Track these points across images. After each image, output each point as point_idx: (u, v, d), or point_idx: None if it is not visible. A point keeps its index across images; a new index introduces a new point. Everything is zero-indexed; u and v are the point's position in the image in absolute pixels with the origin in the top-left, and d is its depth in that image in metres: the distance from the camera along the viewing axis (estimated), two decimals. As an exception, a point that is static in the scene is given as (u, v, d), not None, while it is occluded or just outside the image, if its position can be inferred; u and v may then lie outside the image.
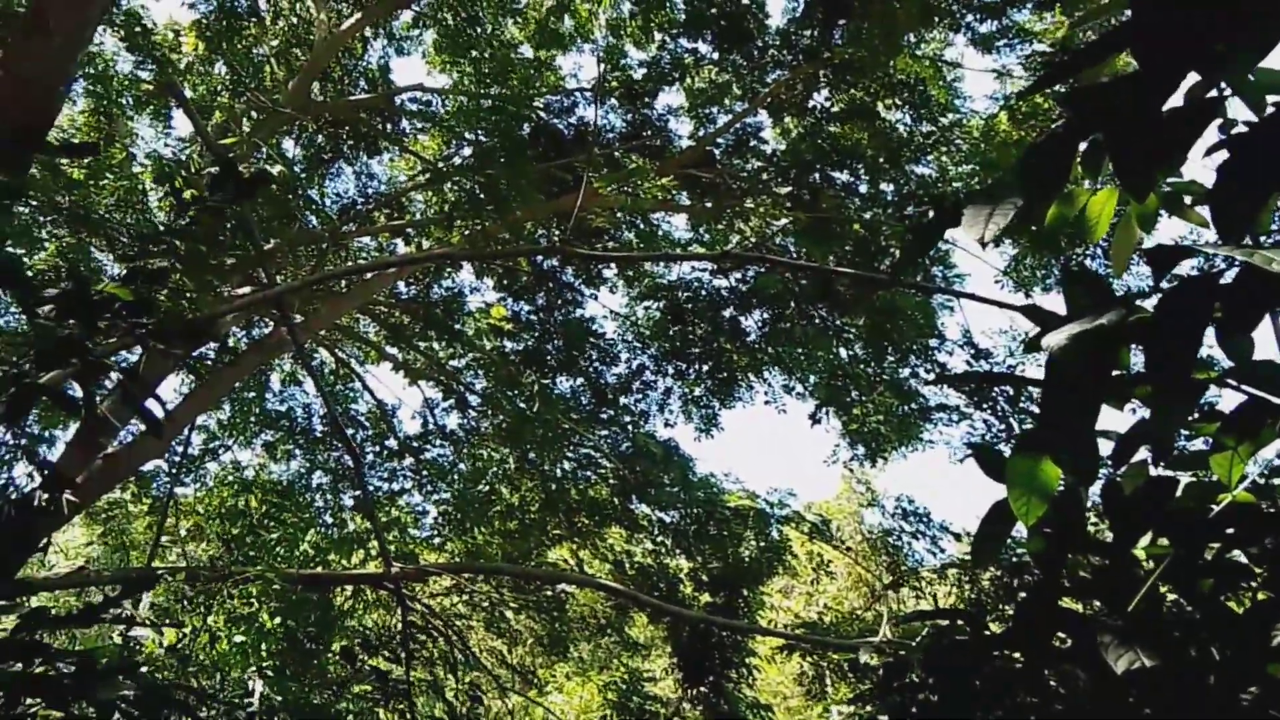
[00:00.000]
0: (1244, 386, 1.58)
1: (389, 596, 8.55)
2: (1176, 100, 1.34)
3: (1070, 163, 1.48)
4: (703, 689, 9.64)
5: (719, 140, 11.54)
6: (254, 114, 9.13)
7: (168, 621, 6.00)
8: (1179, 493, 1.76)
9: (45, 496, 6.81)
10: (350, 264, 7.92)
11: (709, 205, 11.46)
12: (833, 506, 15.41)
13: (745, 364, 10.21)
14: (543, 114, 11.17)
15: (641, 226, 11.60)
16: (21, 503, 7.06)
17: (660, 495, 10.43)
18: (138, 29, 9.61)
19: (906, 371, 9.68)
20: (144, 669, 4.17)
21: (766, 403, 10.60)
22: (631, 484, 10.87)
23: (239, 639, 6.08)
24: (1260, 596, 1.76)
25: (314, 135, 10.83)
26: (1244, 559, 1.80)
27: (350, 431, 12.26)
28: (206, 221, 7.23)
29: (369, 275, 8.53)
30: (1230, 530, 1.74)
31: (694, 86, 11.45)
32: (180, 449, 10.82)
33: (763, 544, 9.28)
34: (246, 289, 7.63)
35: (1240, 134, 1.36)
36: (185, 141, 10.38)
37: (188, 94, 10.25)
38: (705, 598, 10.56)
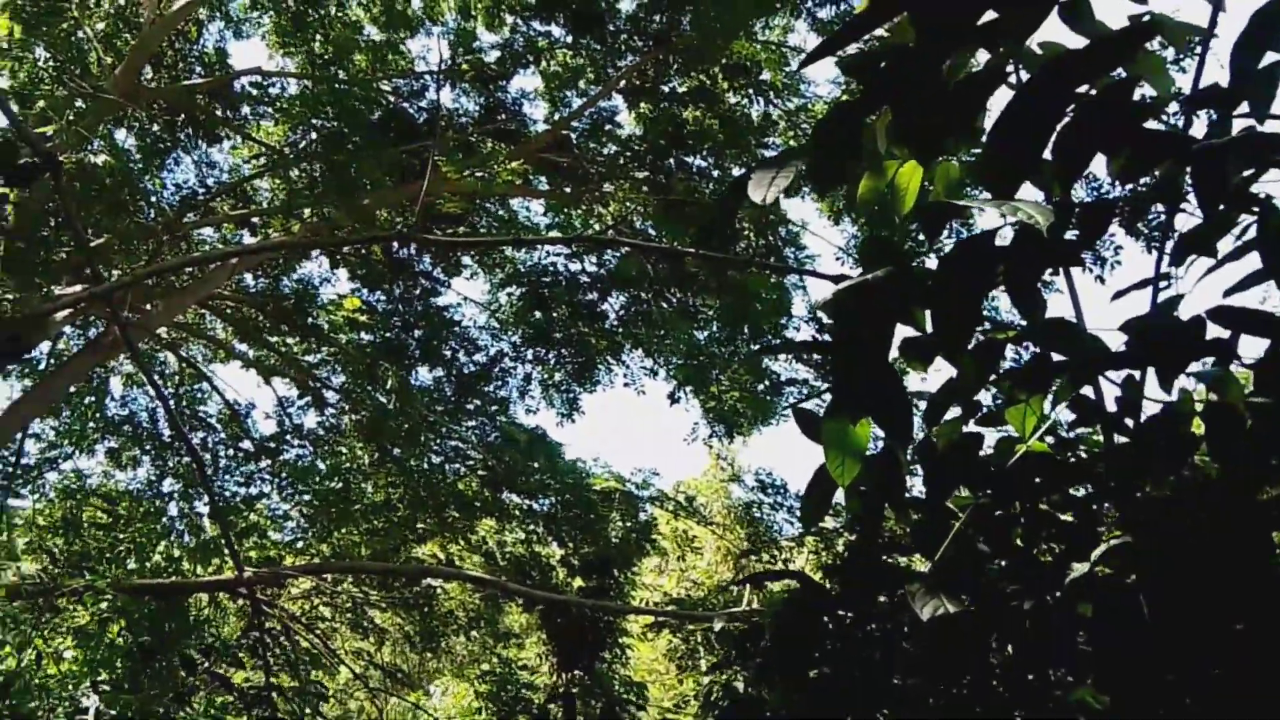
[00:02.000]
0: (1034, 345, 1.73)
1: (248, 603, 8.42)
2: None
3: (858, 130, 1.55)
4: (578, 672, 9.89)
5: (575, 124, 11.73)
6: (80, 102, 8.77)
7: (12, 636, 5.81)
8: (988, 448, 1.83)
9: None
10: (184, 258, 7.74)
11: (567, 190, 11.65)
12: (700, 483, 15.90)
13: (604, 347, 10.48)
14: (391, 98, 11.10)
15: (500, 212, 11.69)
16: None
17: (529, 483, 10.59)
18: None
19: (759, 349, 10.12)
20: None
21: (626, 385, 10.92)
22: (500, 474, 10.98)
23: (72, 655, 5.94)
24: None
25: (148, 124, 10.45)
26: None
27: (200, 435, 11.93)
28: (18, 220, 6.97)
29: (210, 267, 8.35)
30: (1037, 480, 1.83)
31: (548, 70, 11.59)
32: (13, 458, 10.33)
33: (630, 525, 9.57)
34: (77, 287, 7.38)
35: (1012, 96, 1.40)
36: (4, 132, 9.84)
37: (4, 82, 9.74)
38: (578, 582, 10.81)
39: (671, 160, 11.12)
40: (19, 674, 6.27)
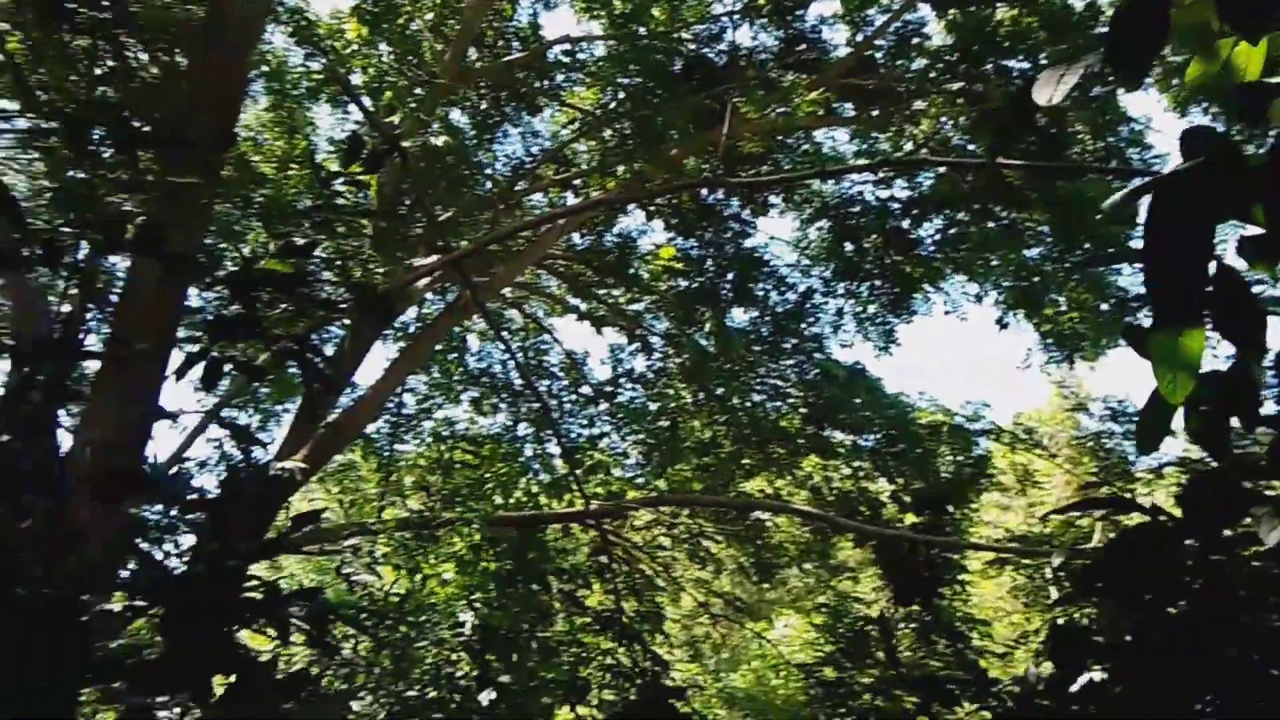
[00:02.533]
0: None
1: (595, 533, 9.21)
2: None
3: (1164, 13, 1.39)
4: (914, 607, 9.75)
5: (878, 43, 11.23)
6: (418, 90, 9.81)
7: (396, 565, 6.82)
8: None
9: (280, 466, 7.85)
10: (517, 223, 8.47)
11: (874, 114, 11.23)
12: (1042, 414, 14.84)
13: (920, 275, 10.01)
14: (691, 45, 11.27)
15: (804, 146, 11.52)
16: (259, 473, 8.18)
17: (851, 419, 10.52)
18: (303, 23, 10.53)
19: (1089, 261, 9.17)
20: (366, 613, 4.87)
21: (946, 313, 10.37)
22: (821, 410, 11.01)
23: (451, 579, 6.83)
24: None
25: (477, 102, 11.47)
26: None
27: (546, 383, 13.11)
28: (379, 202, 7.98)
29: (541, 229, 9.07)
30: None
31: (847, -11, 11.16)
32: (396, 410, 12.03)
33: (962, 460, 9.19)
34: (432, 258, 8.35)
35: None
36: (360, 125, 11.30)
37: (357, 79, 11.16)
38: (910, 518, 10.61)
39: (989, 66, 10.33)
40: (412, 594, 7.36)
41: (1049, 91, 1.39)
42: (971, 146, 10.78)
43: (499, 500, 10.96)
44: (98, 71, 7.70)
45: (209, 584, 2.01)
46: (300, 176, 9.04)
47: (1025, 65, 10.25)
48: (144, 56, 7.94)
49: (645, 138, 8.53)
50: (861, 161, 9.73)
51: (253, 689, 1.88)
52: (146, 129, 7.52)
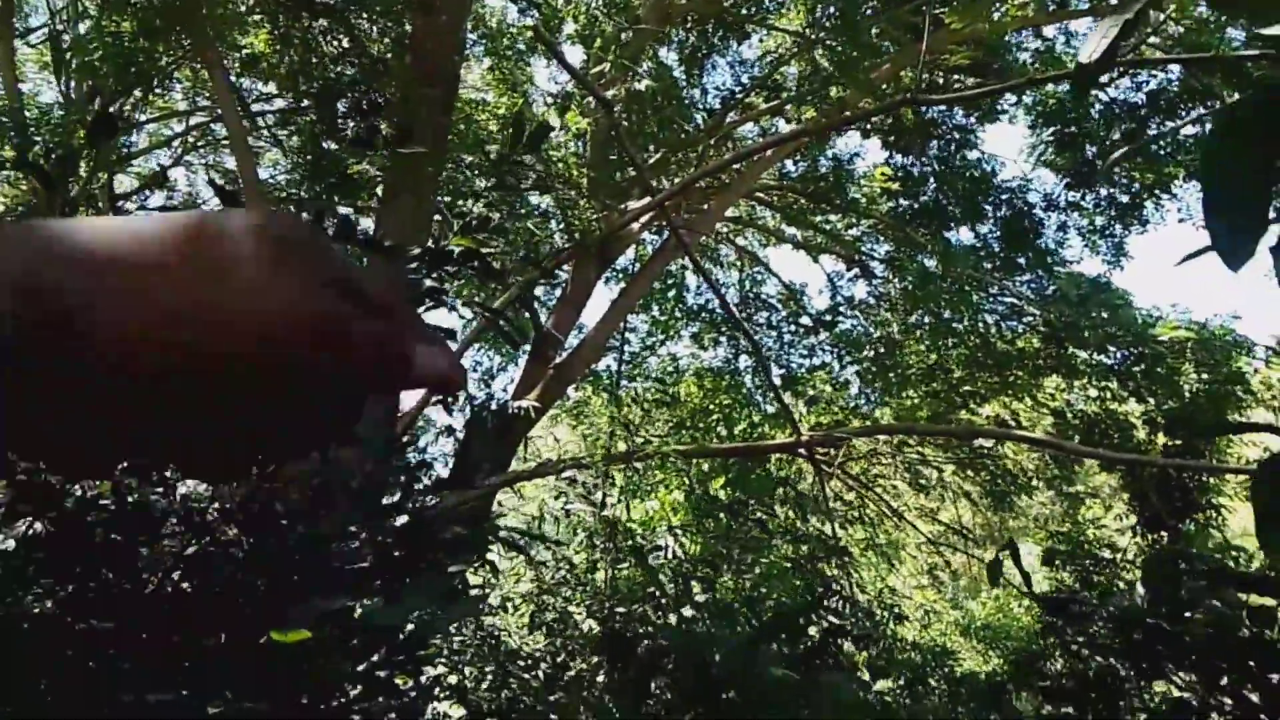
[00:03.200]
0: None
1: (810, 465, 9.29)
2: None
3: None
4: (1164, 534, 9.15)
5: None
6: (625, 35, 10.00)
7: (621, 494, 7.25)
8: None
9: (519, 405, 8.50)
10: (715, 162, 8.52)
11: (1114, 2, 10.22)
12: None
13: (1153, 181, 9.10)
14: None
15: (1034, 44, 10.71)
16: (500, 411, 8.87)
17: (1093, 336, 9.86)
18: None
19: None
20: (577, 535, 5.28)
21: (1180, 220, 9.38)
22: (1061, 328, 10.38)
23: (683, 504, 7.18)
24: None
25: (685, 37, 11.53)
26: None
27: (765, 315, 13.20)
28: (592, 153, 8.29)
29: (751, 160, 9.08)
30: None
31: None
32: (621, 348, 12.58)
33: (1211, 378, 8.42)
34: (643, 201, 8.62)
35: None
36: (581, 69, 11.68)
37: (571, 27, 11.51)
38: (1161, 439, 9.88)
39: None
40: (649, 520, 7.81)
41: (1092, 45, 1.37)
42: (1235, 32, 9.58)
43: (723, 432, 11.31)
44: (334, 51, 8.48)
45: (410, 522, 2.34)
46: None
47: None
48: (373, 32, 8.65)
49: (854, 57, 8.27)
50: (1069, 70, 8.88)
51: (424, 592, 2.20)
52: (380, 100, 8.25)
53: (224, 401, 0.38)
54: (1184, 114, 8.75)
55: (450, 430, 10.15)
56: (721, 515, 6.41)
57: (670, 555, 4.76)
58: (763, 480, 8.22)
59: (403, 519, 2.28)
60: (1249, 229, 1.03)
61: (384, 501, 2.40)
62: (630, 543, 4.73)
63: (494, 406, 9.50)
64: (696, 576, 4.64)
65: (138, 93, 9.63)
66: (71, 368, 0.35)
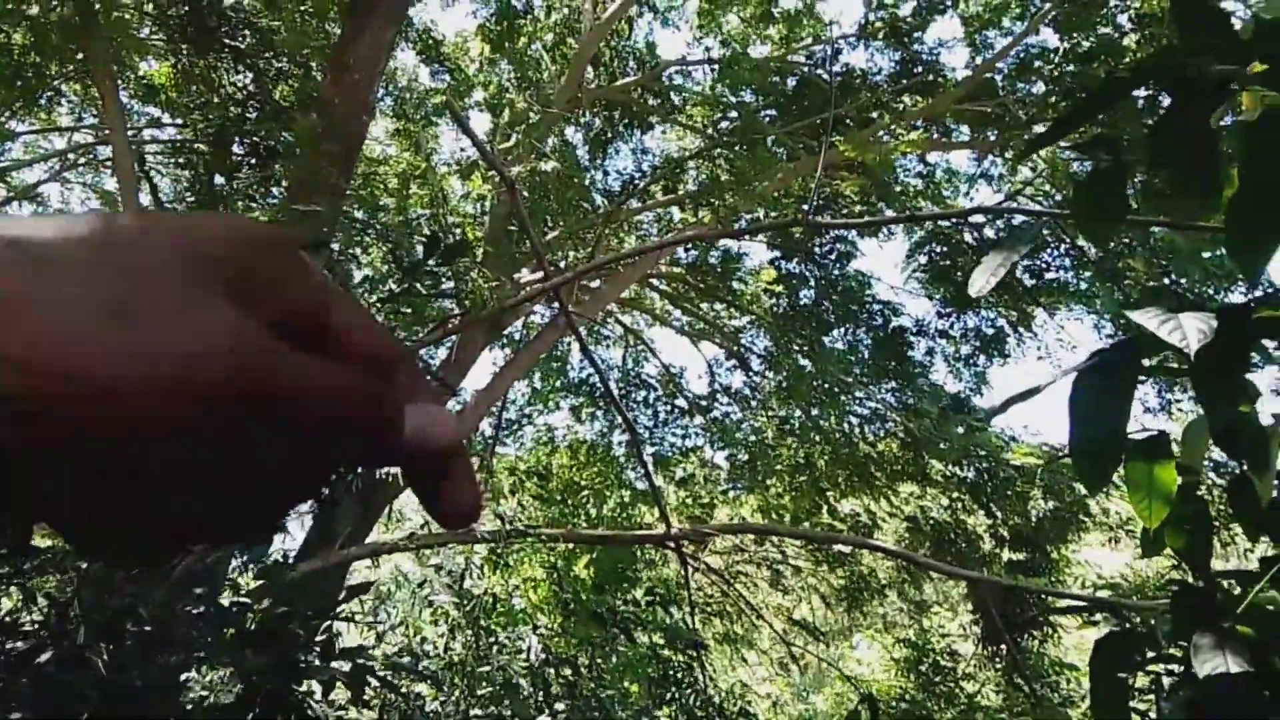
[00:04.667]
0: None
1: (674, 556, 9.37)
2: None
3: (1122, 189, 1.47)
4: (1003, 647, 9.57)
5: (998, 66, 10.99)
6: (534, 112, 10.13)
7: (482, 572, 7.14)
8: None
9: (381, 473, 8.28)
10: (609, 254, 8.70)
11: (991, 137, 11.00)
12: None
13: (1017, 318, 9.78)
14: (806, 66, 11.27)
15: (918, 168, 11.39)
16: (363, 477, 8.59)
17: (949, 449, 10.36)
18: (430, 42, 11.01)
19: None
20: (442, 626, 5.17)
21: (1040, 358, 10.10)
22: (919, 438, 10.88)
23: (543, 585, 7.10)
24: None
25: (591, 120, 11.76)
26: None
27: (644, 393, 13.34)
28: (491, 227, 8.30)
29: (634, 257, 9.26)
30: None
31: (967, 11, 10.96)
32: (499, 415, 12.46)
33: (1056, 504, 8.98)
34: (538, 274, 8.66)
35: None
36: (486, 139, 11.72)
37: (479, 95, 11.58)
38: (1007, 554, 10.40)
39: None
40: (502, 599, 7.69)
41: (981, 282, 1.51)
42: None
43: (591, 510, 11.30)
44: (238, 93, 8.28)
45: (275, 644, 2.26)
46: (420, 196, 9.48)
47: (1149, 93, 9.87)
48: (279, 79, 8.49)
49: (751, 165, 8.61)
50: (952, 210, 9.56)
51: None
52: (278, 148, 8.06)
53: (133, 473, 0.28)
54: (1051, 255, 9.44)
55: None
56: (583, 595, 6.38)
57: (533, 655, 4.70)
58: (626, 570, 8.24)
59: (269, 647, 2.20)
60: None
61: (249, 627, 2.30)
62: (493, 639, 4.66)
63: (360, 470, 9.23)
64: (559, 679, 4.59)
65: (19, 104, 9.15)
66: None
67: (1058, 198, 10.40)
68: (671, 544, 7.74)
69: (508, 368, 10.16)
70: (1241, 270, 1.27)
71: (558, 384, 13.11)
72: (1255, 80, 1.37)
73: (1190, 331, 1.24)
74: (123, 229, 0.30)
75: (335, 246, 7.64)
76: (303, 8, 8.24)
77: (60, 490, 0.28)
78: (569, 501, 11.98)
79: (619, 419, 13.50)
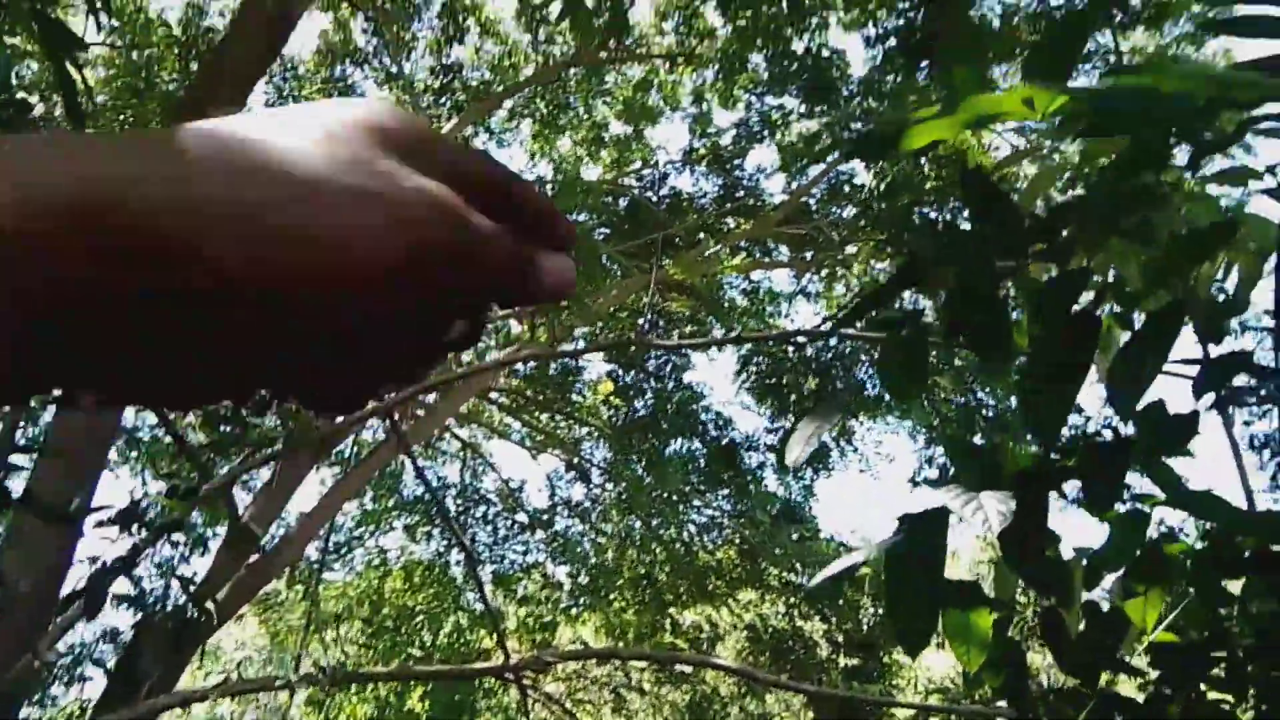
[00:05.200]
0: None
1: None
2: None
3: (923, 354, 1.63)
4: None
5: (813, 191, 11.75)
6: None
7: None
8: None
9: (198, 607, 7.66)
10: (449, 373, 8.58)
11: (808, 257, 11.67)
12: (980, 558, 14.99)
13: (839, 432, 10.28)
14: (636, 188, 11.69)
15: (742, 284, 11.90)
16: (178, 612, 7.95)
17: (784, 555, 10.59)
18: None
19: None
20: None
21: (860, 471, 10.61)
22: (756, 545, 11.07)
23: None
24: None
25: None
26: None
27: (482, 509, 13.00)
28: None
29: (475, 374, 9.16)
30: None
31: (783, 142, 11.72)
32: (326, 539, 11.80)
33: (884, 611, 9.28)
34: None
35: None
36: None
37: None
38: (843, 660, 10.60)
39: (915, 218, 10.86)
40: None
41: (796, 452, 1.56)
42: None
43: (426, 637, 10.79)
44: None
45: None
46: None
47: (949, 217, 10.80)
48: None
49: (586, 282, 8.75)
50: (776, 333, 10.04)
51: None
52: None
53: (349, 325, 0.30)
54: (867, 372, 10.01)
55: (113, 634, 8.92)
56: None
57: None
58: (463, 703, 7.88)
59: None
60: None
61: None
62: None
63: (170, 606, 8.49)
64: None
65: None
66: (166, 299, 0.27)
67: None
68: (510, 675, 7.46)
69: (337, 488, 9.70)
70: (1040, 432, 1.35)
71: (391, 503, 12.59)
72: (1037, 256, 1.48)
73: (992, 514, 1.30)
74: (329, 117, 0.31)
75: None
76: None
77: (286, 340, 0.30)
78: (402, 629, 11.40)
79: (452, 540, 13.08)
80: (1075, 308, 1.30)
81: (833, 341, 8.95)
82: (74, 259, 0.25)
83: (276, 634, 11.77)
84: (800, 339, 5.93)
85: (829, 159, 11.69)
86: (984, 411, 10.28)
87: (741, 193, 11.56)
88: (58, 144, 0.27)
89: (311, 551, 11.75)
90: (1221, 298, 1.51)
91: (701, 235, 11.16)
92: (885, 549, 1.40)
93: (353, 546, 12.66)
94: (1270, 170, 1.13)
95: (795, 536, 10.79)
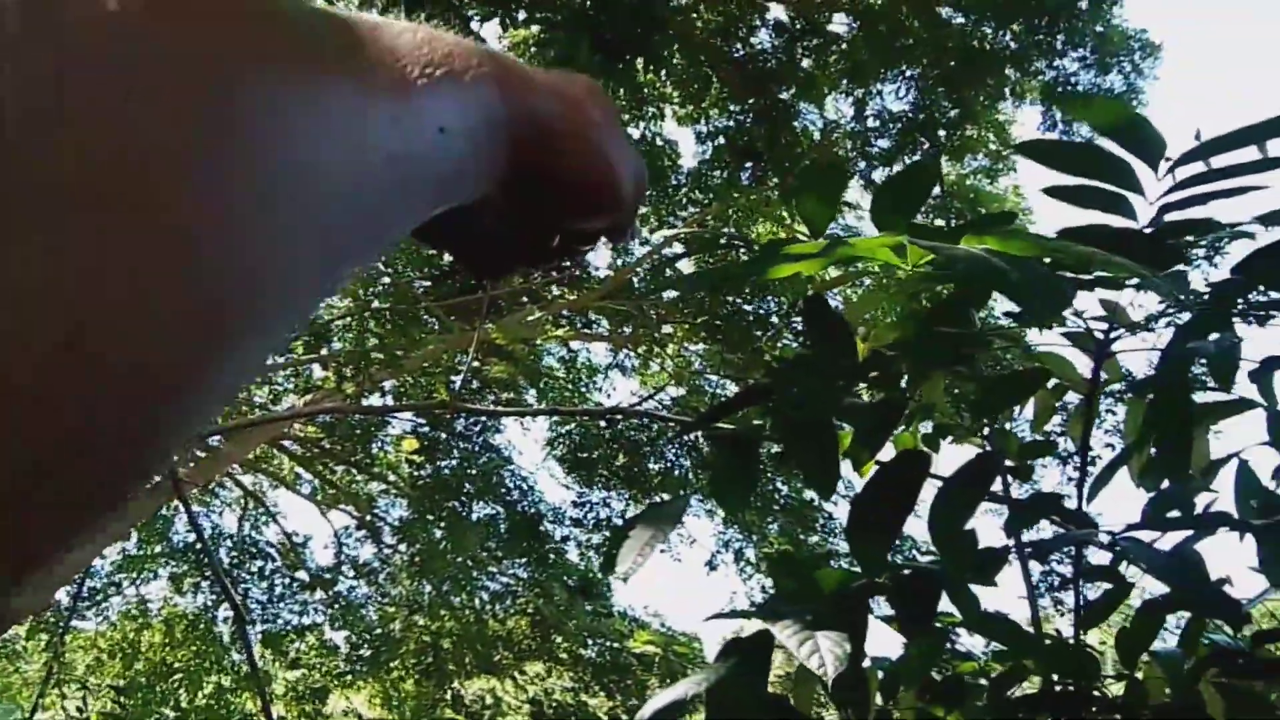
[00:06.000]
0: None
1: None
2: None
3: (754, 461, 1.68)
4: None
5: (638, 270, 12.04)
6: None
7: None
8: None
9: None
10: (244, 419, 8.10)
11: (626, 332, 11.90)
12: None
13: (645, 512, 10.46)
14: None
15: (560, 353, 11.95)
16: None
17: (576, 629, 10.51)
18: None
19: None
20: None
21: (662, 550, 10.79)
22: (549, 617, 10.93)
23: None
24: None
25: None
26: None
27: (260, 563, 12.17)
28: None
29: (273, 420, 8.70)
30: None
31: (612, 220, 11.99)
32: (80, 584, 10.68)
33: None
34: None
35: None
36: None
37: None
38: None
39: (728, 307, 11.33)
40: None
41: (628, 563, 1.57)
42: (710, 376, 11.67)
43: (183, 697, 9.91)
44: None
45: None
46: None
47: (760, 310, 11.35)
48: None
49: (400, 337, 8.54)
50: (591, 408, 10.23)
51: None
52: None
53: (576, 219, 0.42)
54: (676, 452, 10.24)
55: None
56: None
57: None
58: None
59: None
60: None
61: None
62: None
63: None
64: None
65: None
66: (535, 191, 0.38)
67: (677, 394, 11.43)
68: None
69: (99, 536, 8.85)
70: (866, 565, 1.41)
71: (158, 549, 11.59)
72: (870, 383, 1.57)
73: (828, 658, 1.33)
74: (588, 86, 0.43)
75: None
76: None
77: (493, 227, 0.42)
78: (157, 687, 10.42)
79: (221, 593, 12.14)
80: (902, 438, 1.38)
81: (646, 421, 9.16)
82: (528, 152, 0.36)
83: (8, 687, 10.47)
84: (615, 416, 6.01)
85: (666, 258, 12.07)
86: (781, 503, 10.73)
87: (568, 263, 11.68)
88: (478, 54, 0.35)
89: (62, 597, 10.62)
90: (1029, 438, 1.67)
91: (524, 300, 11.16)
92: (712, 681, 1.41)
93: (109, 594, 11.53)
94: (1077, 314, 1.26)
95: (589, 610, 10.75)
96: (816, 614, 1.44)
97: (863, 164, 10.28)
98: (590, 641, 10.78)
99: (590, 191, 0.40)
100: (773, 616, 1.41)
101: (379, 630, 11.16)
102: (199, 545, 11.34)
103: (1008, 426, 1.61)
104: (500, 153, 0.35)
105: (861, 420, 1.47)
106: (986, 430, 1.60)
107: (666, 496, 10.17)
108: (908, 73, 9.99)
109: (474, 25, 4.93)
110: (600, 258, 15.77)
